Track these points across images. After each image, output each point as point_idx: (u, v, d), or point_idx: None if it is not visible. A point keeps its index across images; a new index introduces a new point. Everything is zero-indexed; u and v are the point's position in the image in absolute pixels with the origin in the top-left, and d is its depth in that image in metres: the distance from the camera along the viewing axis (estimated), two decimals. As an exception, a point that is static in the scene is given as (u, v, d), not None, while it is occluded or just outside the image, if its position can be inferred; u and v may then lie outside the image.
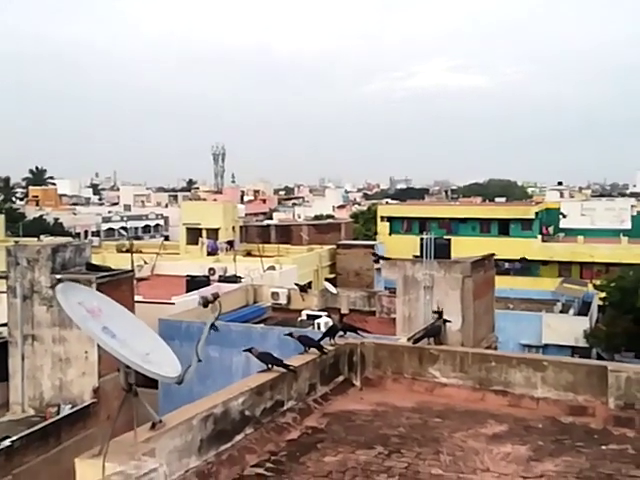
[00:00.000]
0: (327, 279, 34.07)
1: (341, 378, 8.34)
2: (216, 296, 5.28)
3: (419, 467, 6.08)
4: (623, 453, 6.39)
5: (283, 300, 26.94)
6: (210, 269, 30.86)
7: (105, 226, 70.62)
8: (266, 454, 6.29)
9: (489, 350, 10.57)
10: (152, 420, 5.27)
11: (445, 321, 8.80)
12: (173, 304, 22.38)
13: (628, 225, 55.51)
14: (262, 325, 21.39)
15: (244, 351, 7.63)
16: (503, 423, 7.17)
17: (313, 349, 7.95)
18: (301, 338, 8.19)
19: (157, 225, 71.78)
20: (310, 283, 32.66)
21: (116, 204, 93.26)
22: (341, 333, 8.58)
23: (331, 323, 9.16)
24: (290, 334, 8.46)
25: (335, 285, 31.36)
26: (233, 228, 38.38)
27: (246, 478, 5.81)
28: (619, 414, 7.11)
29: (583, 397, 7.40)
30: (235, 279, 29.61)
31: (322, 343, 8.08)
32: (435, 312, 8.43)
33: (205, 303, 5.28)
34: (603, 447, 6.52)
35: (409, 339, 9.00)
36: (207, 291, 26.54)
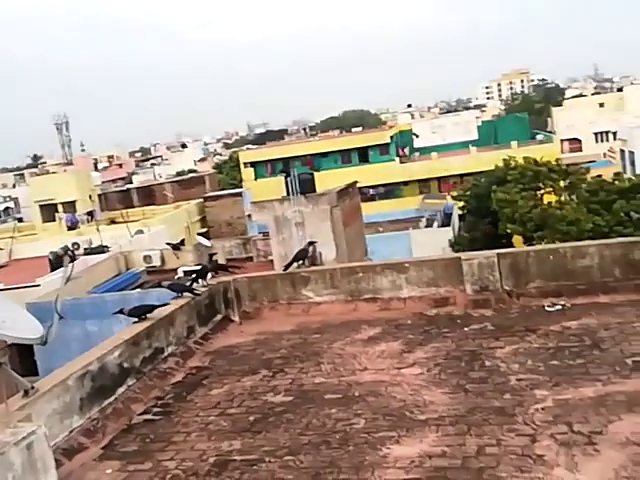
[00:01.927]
0: (199, 234, 33.63)
1: (219, 317, 8.42)
2: (66, 249, 5.11)
3: (303, 380, 6.35)
4: (483, 330, 7.00)
5: (157, 262, 26.37)
6: (74, 244, 29.49)
7: (-58, 216, 64.88)
8: (152, 400, 6.30)
9: (355, 262, 11.01)
10: (23, 388, 5.11)
11: (310, 243, 9.03)
12: (38, 286, 21.27)
13: (475, 136, 58.91)
14: (138, 290, 20.95)
15: (114, 314, 7.45)
16: (376, 327, 7.59)
17: (186, 293, 7.95)
18: (171, 286, 8.15)
19: (7, 208, 66.96)
20: (183, 240, 32.06)
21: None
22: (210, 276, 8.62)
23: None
24: (159, 284, 8.39)
25: (208, 238, 31.07)
26: (90, 197, 36.66)
27: (135, 427, 5.81)
28: (476, 298, 7.74)
29: (444, 289, 7.97)
30: (102, 249, 28.52)
31: (194, 286, 8.09)
32: (310, 242, 8.66)
33: (56, 257, 5.10)
34: (465, 329, 7.09)
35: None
36: (74, 266, 25.47)
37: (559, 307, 7.16)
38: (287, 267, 8.71)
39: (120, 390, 6.18)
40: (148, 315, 7.05)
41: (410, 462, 4.56)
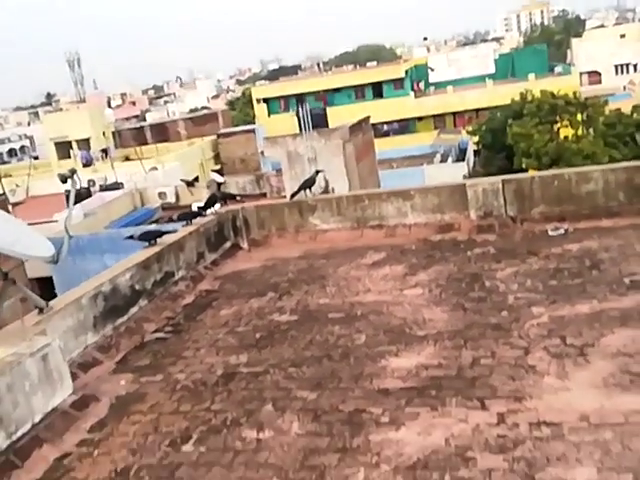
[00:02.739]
0: (213, 170, 33.70)
1: (228, 244, 8.61)
2: (73, 171, 5.25)
3: (308, 301, 6.55)
4: (485, 254, 7.12)
5: (171, 198, 26.59)
6: (89, 180, 29.74)
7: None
8: (163, 320, 6.55)
9: (361, 190, 11.10)
10: (38, 306, 5.34)
11: (317, 172, 9.10)
12: (56, 221, 21.65)
13: (492, 69, 57.59)
14: (154, 225, 21.24)
15: (125, 239, 7.65)
16: (381, 252, 7.73)
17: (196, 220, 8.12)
18: (181, 215, 8.31)
19: (23, 147, 67.19)
20: (197, 177, 32.22)
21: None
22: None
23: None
24: (171, 219, 8.56)
25: (222, 175, 31.11)
26: (104, 135, 36.68)
27: (147, 344, 6.07)
28: (480, 223, 7.83)
29: (449, 215, 8.06)
30: (117, 186, 28.75)
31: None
32: (317, 171, 8.73)
33: (63, 179, 5.24)
34: (468, 253, 7.22)
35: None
36: (89, 204, 25.79)
37: (562, 231, 7.23)
38: (294, 196, 8.82)
39: (132, 310, 6.42)
40: (158, 240, 7.24)
41: (407, 373, 4.76)
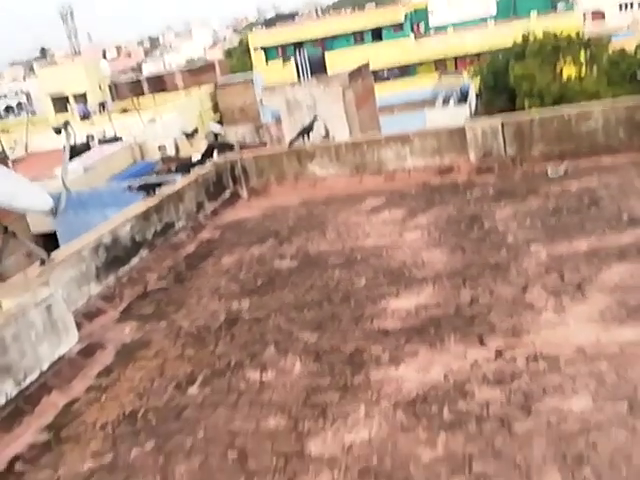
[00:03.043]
0: (213, 121, 33.41)
1: (227, 193, 8.61)
2: (67, 123, 5.22)
3: (308, 247, 6.59)
4: (485, 195, 7.11)
5: (171, 150, 26.45)
6: (88, 135, 29.53)
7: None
8: (165, 270, 6.61)
9: (360, 137, 11.01)
10: (40, 257, 5.38)
11: (315, 117, 9.02)
12: (57, 177, 21.58)
13: (493, 11, 56.19)
14: (155, 177, 21.20)
15: (124, 191, 7.66)
16: (380, 197, 7.73)
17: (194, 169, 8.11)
18: (179, 167, 8.29)
19: (19, 103, 66.51)
20: (196, 129, 31.97)
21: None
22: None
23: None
24: (169, 170, 8.53)
25: (222, 125, 30.84)
26: (100, 88, 36.26)
27: (150, 293, 6.14)
28: (480, 165, 7.79)
29: (448, 158, 8.01)
30: (116, 139, 28.58)
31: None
32: (315, 118, 8.64)
33: (57, 130, 5.22)
34: (468, 195, 7.21)
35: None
36: (89, 158, 25.68)
37: (561, 170, 7.20)
38: (292, 143, 8.77)
39: (134, 261, 6.48)
40: (157, 191, 7.25)
41: (406, 313, 4.83)
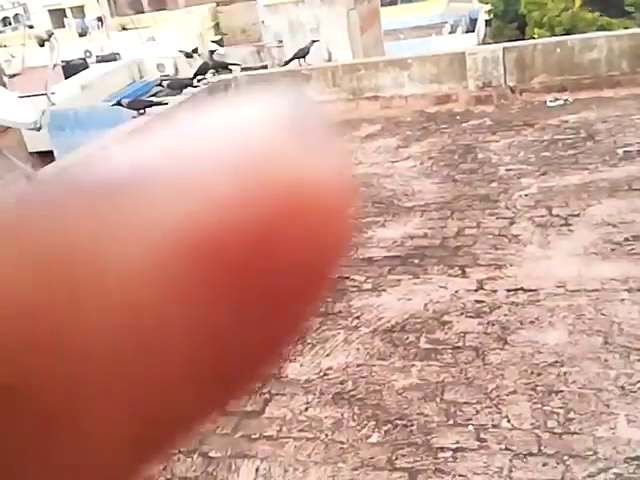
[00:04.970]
0: (213, 41, 32.52)
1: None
2: (50, 33, 5.05)
3: (299, 173, 6.51)
4: (481, 125, 6.97)
5: (170, 70, 25.75)
6: (86, 51, 28.82)
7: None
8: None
9: (356, 60, 10.75)
10: (25, 175, 5.32)
11: (313, 41, 8.75)
12: (53, 93, 21.19)
13: None
14: (153, 98, 20.84)
15: (112, 105, 7.50)
16: (376, 124, 7.58)
17: (186, 89, 7.92)
18: (170, 84, 8.10)
19: (17, 15, 64.60)
20: (197, 49, 31.17)
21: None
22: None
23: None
24: (160, 84, 8.36)
25: (222, 46, 30.04)
26: (98, 1, 35.13)
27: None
28: (479, 94, 7.60)
29: (447, 86, 7.81)
30: (114, 57, 27.91)
31: (195, 82, 8.03)
32: (313, 41, 8.36)
33: (40, 42, 5.05)
34: (464, 125, 7.07)
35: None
36: (86, 75, 25.15)
37: (561, 102, 7.04)
38: (287, 63, 8.55)
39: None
40: (148, 111, 7.10)
41: (392, 242, 4.82)
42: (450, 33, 35.30)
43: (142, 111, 7.04)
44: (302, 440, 3.09)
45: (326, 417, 3.21)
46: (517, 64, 7.43)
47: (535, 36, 30.83)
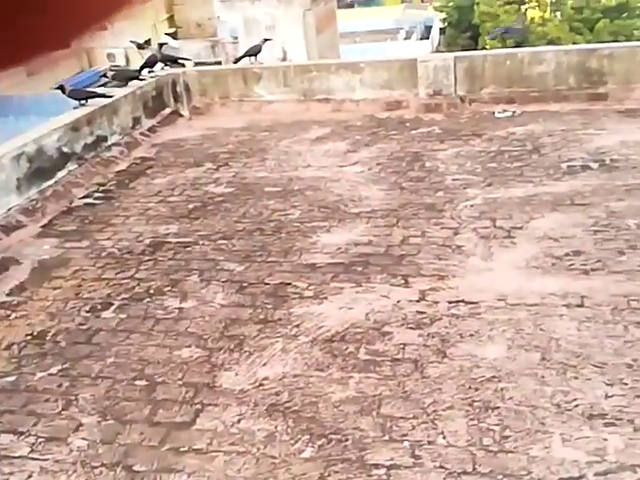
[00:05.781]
0: (167, 34, 31.92)
1: (167, 110, 8.21)
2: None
3: (245, 174, 6.38)
4: (430, 134, 6.98)
5: (121, 61, 25.13)
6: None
7: None
8: (94, 186, 6.31)
9: (309, 61, 10.67)
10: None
11: (266, 39, 8.59)
12: (-5, 79, 20.44)
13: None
14: (102, 88, 20.31)
15: (53, 89, 7.22)
16: (326, 127, 7.50)
17: (132, 82, 7.68)
18: (115, 75, 7.85)
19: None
20: (149, 40, 30.54)
21: None
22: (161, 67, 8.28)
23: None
24: (105, 75, 8.10)
25: (176, 39, 29.49)
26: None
27: (75, 209, 5.87)
28: (429, 102, 7.61)
29: (398, 92, 7.79)
30: (62, 44, 27.11)
31: (141, 76, 7.80)
32: (265, 39, 8.18)
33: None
34: (413, 132, 7.06)
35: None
36: (33, 63, 24.33)
37: (509, 113, 7.10)
38: (237, 61, 8.39)
39: (60, 174, 6.15)
40: (90, 102, 6.84)
41: (337, 249, 4.73)
42: (405, 39, 35.65)
43: (84, 101, 6.78)
44: (232, 454, 2.97)
45: (259, 430, 3.10)
46: (468, 74, 7.46)
47: (487, 47, 31.45)
